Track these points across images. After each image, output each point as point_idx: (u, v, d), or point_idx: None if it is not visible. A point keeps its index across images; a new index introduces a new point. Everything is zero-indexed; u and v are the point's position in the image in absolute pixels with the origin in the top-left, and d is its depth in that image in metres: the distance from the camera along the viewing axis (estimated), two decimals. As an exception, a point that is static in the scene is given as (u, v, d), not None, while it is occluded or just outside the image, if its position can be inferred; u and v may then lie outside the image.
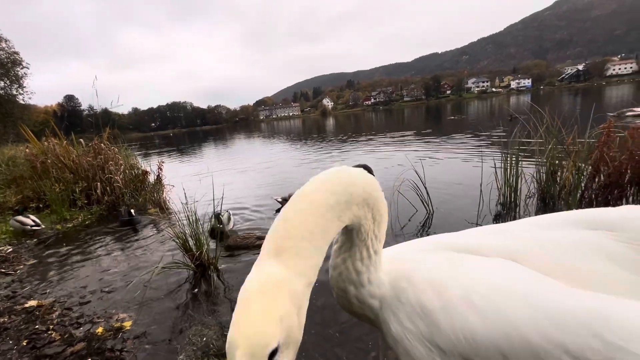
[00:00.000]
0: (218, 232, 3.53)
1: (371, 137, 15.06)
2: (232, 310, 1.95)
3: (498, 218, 3.76)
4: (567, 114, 4.31)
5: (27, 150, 7.22)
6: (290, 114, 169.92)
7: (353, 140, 14.49)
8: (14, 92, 28.02)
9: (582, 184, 3.60)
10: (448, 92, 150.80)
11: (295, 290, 0.61)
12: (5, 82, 27.60)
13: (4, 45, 26.94)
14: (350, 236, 0.85)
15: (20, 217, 4.80)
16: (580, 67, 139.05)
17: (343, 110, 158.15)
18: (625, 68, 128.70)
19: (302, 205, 0.69)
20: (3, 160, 9.47)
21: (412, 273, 0.84)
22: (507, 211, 3.88)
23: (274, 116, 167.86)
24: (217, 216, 3.85)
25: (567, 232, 0.85)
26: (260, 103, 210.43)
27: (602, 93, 37.62)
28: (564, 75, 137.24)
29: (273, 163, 10.38)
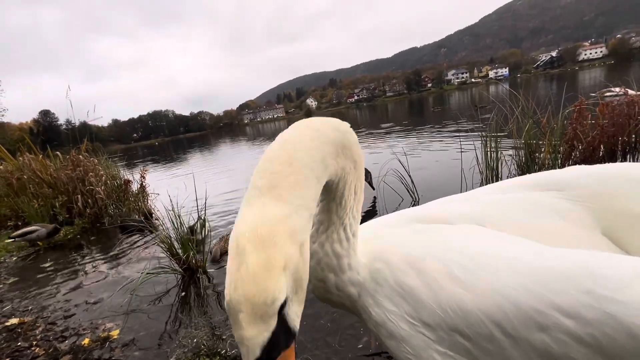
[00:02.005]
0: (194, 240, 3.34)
1: (356, 132, 15.11)
2: (221, 309, 1.91)
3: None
4: (542, 98, 4.43)
5: (0, 167, 6.95)
6: (275, 115, 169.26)
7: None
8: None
9: (559, 162, 3.71)
10: (429, 85, 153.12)
11: (295, 226, 0.54)
12: (-26, 101, 26.59)
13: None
14: (329, 212, 0.82)
15: (19, 231, 4.62)
16: (554, 53, 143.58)
17: (327, 109, 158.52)
18: (596, 52, 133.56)
19: (290, 142, 0.63)
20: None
21: (385, 252, 0.83)
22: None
23: (258, 119, 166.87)
24: (190, 228, 3.60)
25: (523, 195, 0.91)
26: (244, 107, 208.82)
27: (576, 77, 38.92)
28: (539, 63, 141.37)
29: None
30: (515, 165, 4.17)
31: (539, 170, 3.87)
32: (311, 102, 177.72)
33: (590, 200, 0.81)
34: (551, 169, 3.71)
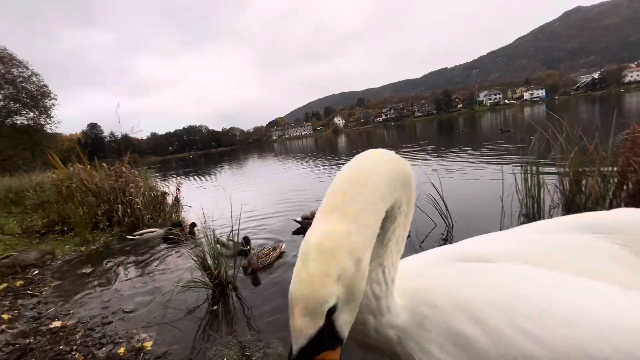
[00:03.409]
0: (235, 252, 3.52)
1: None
2: (251, 329, 1.93)
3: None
4: (587, 122, 4.20)
5: (53, 175, 7.56)
6: (303, 133, 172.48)
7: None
8: (42, 122, 29.81)
9: (610, 192, 3.45)
10: (459, 105, 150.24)
11: (356, 243, 0.59)
12: (34, 113, 29.43)
13: (34, 79, 28.97)
14: (373, 248, 0.81)
15: (140, 231, 5.38)
16: (596, 75, 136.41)
17: (354, 127, 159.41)
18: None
19: (365, 166, 0.68)
20: (31, 186, 9.94)
21: (431, 295, 0.78)
22: (530, 223, 3.74)
23: (286, 136, 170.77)
24: (245, 239, 3.87)
25: (571, 236, 0.84)
26: (273, 124, 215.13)
27: (622, 100, 36.59)
28: (579, 84, 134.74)
29: (287, 183, 10.47)
30: (559, 193, 3.93)
31: (586, 200, 3.61)
32: (339, 121, 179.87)
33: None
34: (600, 199, 3.45)
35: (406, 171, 0.73)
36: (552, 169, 4.28)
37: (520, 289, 0.71)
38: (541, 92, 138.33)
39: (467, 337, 0.69)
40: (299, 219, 4.78)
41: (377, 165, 0.68)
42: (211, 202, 8.00)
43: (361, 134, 65.37)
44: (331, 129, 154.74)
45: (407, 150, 14.33)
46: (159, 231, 5.38)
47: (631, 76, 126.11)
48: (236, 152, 66.20)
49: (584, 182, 3.66)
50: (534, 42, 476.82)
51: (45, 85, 29.43)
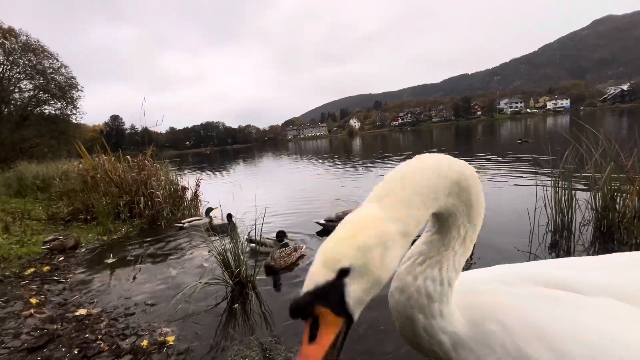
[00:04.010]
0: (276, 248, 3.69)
1: (400, 156, 14.88)
2: (271, 331, 1.92)
3: (554, 247, 3.49)
4: (619, 136, 4.00)
5: (79, 165, 7.81)
6: (318, 134, 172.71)
7: (382, 160, 14.38)
8: (69, 112, 30.90)
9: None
10: (479, 113, 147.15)
11: (385, 231, 0.64)
12: (62, 104, 30.54)
13: (63, 70, 30.07)
14: (430, 245, 0.79)
15: (189, 219, 5.64)
16: (625, 87, 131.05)
17: (370, 130, 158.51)
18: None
19: (412, 168, 0.72)
20: (57, 174, 10.31)
21: (501, 313, 0.75)
22: (560, 239, 3.60)
23: (301, 136, 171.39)
24: (281, 233, 4.12)
25: None
26: (288, 123, 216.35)
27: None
28: (606, 96, 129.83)
29: (302, 183, 10.49)
30: (590, 209, 3.76)
31: (620, 219, 3.45)
32: (354, 123, 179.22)
33: None
34: (637, 219, 3.28)
35: (461, 178, 0.73)
36: (583, 184, 4.11)
37: (615, 331, 0.65)
38: (565, 102, 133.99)
39: None
40: (322, 221, 4.71)
41: (423, 168, 0.71)
42: (229, 198, 8.09)
43: (376, 137, 64.92)
44: (346, 130, 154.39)
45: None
46: (204, 219, 5.60)
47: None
48: (251, 149, 66.93)
49: (619, 199, 3.49)
50: (560, 51, 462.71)
51: (74, 77, 30.50)
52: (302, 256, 3.71)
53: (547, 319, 0.70)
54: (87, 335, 2.42)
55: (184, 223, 5.54)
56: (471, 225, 0.79)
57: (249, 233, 3.75)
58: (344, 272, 0.61)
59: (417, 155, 0.76)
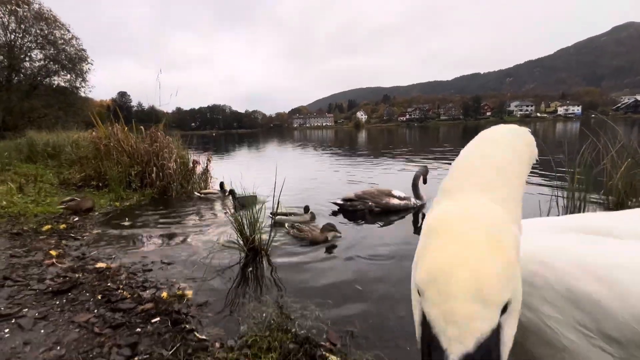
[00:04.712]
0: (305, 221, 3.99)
1: (406, 152, 14.86)
2: (286, 293, 1.99)
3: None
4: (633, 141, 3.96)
5: (93, 133, 7.88)
6: (324, 124, 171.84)
7: (389, 153, 14.38)
8: (77, 85, 30.87)
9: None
10: (488, 113, 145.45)
11: (517, 241, 0.49)
12: (71, 76, 30.48)
13: (74, 42, 29.92)
14: None
15: (205, 190, 6.14)
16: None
17: (377, 124, 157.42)
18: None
19: (500, 146, 0.61)
20: (68, 142, 10.43)
21: (544, 255, 0.76)
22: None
23: (307, 125, 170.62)
24: (305, 208, 4.29)
25: None
26: (295, 111, 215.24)
27: (666, 125, 34.42)
28: (619, 105, 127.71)
29: (312, 168, 10.53)
30: (603, 210, 3.78)
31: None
32: (361, 115, 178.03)
33: None
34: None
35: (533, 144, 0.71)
36: (596, 196, 4.07)
37: None
38: (577, 109, 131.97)
39: (587, 294, 0.66)
40: (339, 201, 4.69)
41: (514, 143, 0.64)
42: (237, 176, 8.14)
43: (382, 131, 64.48)
44: (353, 122, 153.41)
45: (429, 153, 14.09)
46: (219, 193, 5.94)
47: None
48: (256, 135, 66.79)
49: (633, 198, 3.51)
50: (576, 56, 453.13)
51: (84, 50, 30.36)
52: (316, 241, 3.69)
53: (590, 255, 0.72)
54: (108, 284, 2.51)
55: (201, 193, 5.78)
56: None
57: (263, 205, 3.82)
58: (503, 310, 0.43)
59: (502, 127, 0.68)
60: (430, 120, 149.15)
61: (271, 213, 4.02)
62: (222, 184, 6.09)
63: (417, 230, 4.04)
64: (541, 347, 0.74)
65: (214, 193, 5.99)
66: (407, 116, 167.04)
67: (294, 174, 9.05)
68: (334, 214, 4.70)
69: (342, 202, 4.65)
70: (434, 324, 0.41)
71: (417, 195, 4.84)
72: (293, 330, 1.94)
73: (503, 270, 0.42)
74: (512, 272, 0.43)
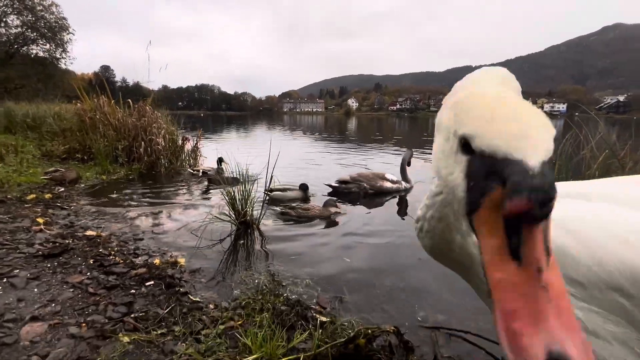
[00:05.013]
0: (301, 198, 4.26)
1: (392, 142, 15.00)
2: (277, 262, 2.05)
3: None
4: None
5: (77, 105, 7.62)
6: (314, 109, 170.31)
7: (378, 141, 14.49)
8: (57, 56, 29.36)
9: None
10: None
11: None
12: (51, 46, 28.93)
13: (54, 9, 28.27)
14: None
15: (202, 167, 5.96)
16: (622, 97, 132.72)
17: (367, 112, 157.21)
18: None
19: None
20: (49, 114, 10.02)
21: None
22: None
23: (297, 110, 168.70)
24: (303, 186, 4.43)
25: None
26: (285, 95, 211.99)
27: (643, 126, 35.81)
28: (602, 105, 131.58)
29: (303, 152, 10.53)
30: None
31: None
32: (352, 103, 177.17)
33: None
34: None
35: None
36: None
37: (620, 212, 0.77)
38: (562, 107, 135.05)
39: (558, 246, 0.73)
40: (334, 183, 4.74)
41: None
42: (226, 155, 8.08)
43: (372, 119, 64.54)
44: (343, 109, 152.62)
45: (417, 143, 14.27)
46: (212, 171, 5.77)
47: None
48: (245, 118, 65.65)
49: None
50: (566, 54, 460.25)
51: (65, 18, 28.78)
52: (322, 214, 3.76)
53: (562, 212, 0.80)
54: (100, 250, 2.53)
55: (198, 170, 5.72)
56: None
57: (255, 181, 3.85)
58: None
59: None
60: (420, 111, 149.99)
61: (266, 190, 4.04)
62: (220, 159, 6.01)
63: (405, 211, 4.17)
64: None
65: (209, 170, 5.86)
66: (398, 106, 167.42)
67: (284, 155, 9.04)
68: (329, 195, 4.76)
69: (336, 185, 4.73)
70: (503, 143, 0.42)
71: (405, 178, 4.97)
72: (285, 294, 2.03)
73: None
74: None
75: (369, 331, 1.57)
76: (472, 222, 0.46)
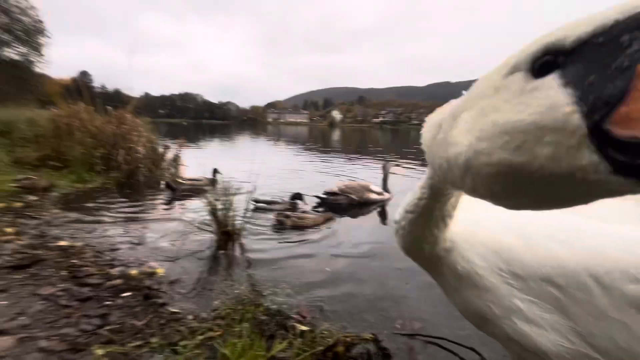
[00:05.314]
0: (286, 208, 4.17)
1: (380, 151, 15.31)
2: (257, 272, 2.07)
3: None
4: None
5: (53, 110, 7.38)
6: (299, 120, 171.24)
7: (363, 153, 14.73)
8: (32, 60, 28.30)
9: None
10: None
11: None
12: (27, 49, 27.90)
13: (31, 12, 27.40)
14: (434, 198, 0.90)
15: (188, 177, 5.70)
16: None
17: (351, 124, 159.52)
18: None
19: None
20: (21, 121, 9.62)
21: (480, 217, 0.95)
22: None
23: (281, 120, 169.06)
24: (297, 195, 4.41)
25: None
26: (270, 105, 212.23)
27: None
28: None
29: (289, 163, 10.56)
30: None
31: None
32: (336, 114, 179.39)
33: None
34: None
35: None
36: None
37: (556, 216, 0.88)
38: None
39: (506, 246, 0.85)
40: (323, 195, 4.74)
41: None
42: (209, 166, 7.99)
43: (356, 131, 65.50)
44: (328, 121, 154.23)
45: (399, 154, 14.62)
46: (205, 180, 5.60)
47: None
48: (229, 127, 65.13)
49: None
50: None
51: (41, 21, 27.92)
52: (317, 222, 3.81)
53: (510, 215, 0.90)
54: (73, 261, 2.45)
55: (184, 181, 5.51)
56: None
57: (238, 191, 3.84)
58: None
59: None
60: (402, 124, 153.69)
61: (254, 200, 4.05)
62: (215, 170, 5.87)
63: (385, 222, 4.25)
64: (470, 289, 0.93)
65: (200, 180, 5.61)
66: (381, 118, 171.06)
67: (269, 166, 9.04)
68: (317, 206, 4.78)
69: (325, 197, 4.74)
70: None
71: (385, 188, 5.11)
72: (265, 304, 2.03)
73: None
74: None
75: (348, 339, 1.60)
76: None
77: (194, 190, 4.97)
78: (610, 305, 0.71)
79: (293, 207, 4.33)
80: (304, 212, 4.09)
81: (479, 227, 0.94)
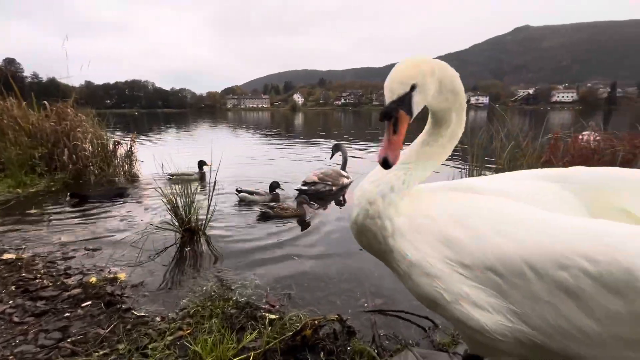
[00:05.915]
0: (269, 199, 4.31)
1: (340, 136, 15.50)
2: (225, 267, 2.11)
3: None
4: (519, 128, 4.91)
5: (-24, 108, 6.53)
6: (260, 105, 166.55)
7: (326, 136, 14.81)
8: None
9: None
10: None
11: (437, 70, 1.01)
12: None
13: None
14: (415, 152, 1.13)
15: (178, 171, 5.35)
16: (531, 91, 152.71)
17: (313, 107, 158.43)
18: (567, 96, 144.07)
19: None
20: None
21: (431, 210, 1.05)
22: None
23: (242, 106, 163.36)
24: (275, 184, 4.50)
25: (536, 182, 1.18)
26: (228, 91, 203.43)
27: (548, 116, 41.73)
28: (517, 97, 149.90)
29: (253, 152, 10.36)
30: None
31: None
32: (298, 98, 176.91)
33: (583, 193, 1.06)
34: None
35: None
36: (490, 161, 4.96)
37: (498, 207, 0.99)
38: (485, 100, 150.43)
39: (455, 238, 0.96)
40: (304, 187, 4.62)
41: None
42: (166, 159, 7.61)
43: (318, 114, 65.35)
44: (289, 105, 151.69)
45: (362, 136, 14.93)
46: (194, 175, 5.53)
47: (557, 97, 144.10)
48: (185, 116, 61.75)
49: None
50: (487, 52, 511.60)
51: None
52: (298, 214, 3.85)
53: (460, 208, 1.02)
54: (23, 275, 2.29)
55: (172, 176, 5.30)
56: (451, 137, 1.12)
57: (199, 185, 3.74)
58: (412, 88, 0.93)
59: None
60: (363, 106, 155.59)
61: (237, 190, 4.32)
62: (202, 163, 5.68)
63: (346, 205, 4.40)
64: (420, 277, 1.03)
65: (189, 174, 5.44)
66: (342, 100, 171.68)
67: (229, 155, 8.82)
68: (299, 195, 4.62)
69: (305, 187, 4.64)
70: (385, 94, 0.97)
71: (344, 169, 5.39)
72: (234, 298, 2.07)
73: (414, 73, 0.94)
74: (421, 75, 0.95)
75: (315, 322, 1.70)
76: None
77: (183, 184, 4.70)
78: (542, 289, 0.83)
79: (275, 198, 4.40)
80: (284, 202, 4.20)
81: (429, 218, 1.04)
